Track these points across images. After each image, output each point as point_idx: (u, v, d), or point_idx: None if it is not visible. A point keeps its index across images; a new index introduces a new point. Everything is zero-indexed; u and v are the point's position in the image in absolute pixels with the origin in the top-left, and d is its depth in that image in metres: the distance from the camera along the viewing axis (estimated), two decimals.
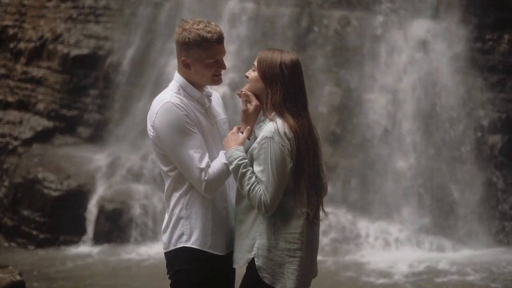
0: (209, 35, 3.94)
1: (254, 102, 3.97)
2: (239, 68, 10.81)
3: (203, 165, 3.89)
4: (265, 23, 11.66)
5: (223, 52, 4.02)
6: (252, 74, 3.98)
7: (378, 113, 11.17)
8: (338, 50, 11.48)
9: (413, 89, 11.16)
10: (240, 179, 3.85)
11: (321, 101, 11.28)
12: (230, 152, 3.90)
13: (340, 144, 11.19)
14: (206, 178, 3.89)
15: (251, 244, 3.88)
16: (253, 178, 3.83)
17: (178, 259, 3.99)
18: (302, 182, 3.84)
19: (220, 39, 3.98)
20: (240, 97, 4.03)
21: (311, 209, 3.87)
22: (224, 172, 3.93)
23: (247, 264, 3.93)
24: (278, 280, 3.85)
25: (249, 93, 3.98)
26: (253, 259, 3.87)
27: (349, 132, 11.22)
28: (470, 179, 10.83)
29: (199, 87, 4.06)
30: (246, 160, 3.86)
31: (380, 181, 10.90)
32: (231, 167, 3.88)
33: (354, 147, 11.14)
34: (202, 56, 3.97)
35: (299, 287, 3.87)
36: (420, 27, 11.37)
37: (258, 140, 3.85)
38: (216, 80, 4.06)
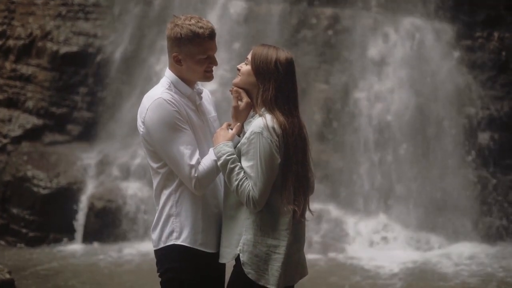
0: (201, 30, 3.93)
1: (245, 99, 3.96)
2: (229, 66, 10.79)
3: (193, 161, 3.88)
4: (255, 20, 11.65)
5: (215, 48, 4.00)
6: (245, 67, 3.96)
7: (368, 110, 11.18)
8: (328, 48, 11.48)
9: (403, 86, 11.17)
10: (228, 174, 3.83)
11: (311, 98, 11.28)
12: (219, 147, 3.88)
13: (329, 141, 11.19)
14: (196, 175, 3.88)
15: (238, 239, 3.87)
16: (242, 174, 3.81)
17: (168, 256, 3.97)
18: (290, 179, 3.83)
19: (212, 35, 3.96)
20: (232, 93, 4.01)
21: (298, 207, 3.86)
22: (214, 169, 3.92)
23: (234, 261, 3.92)
24: (262, 276, 3.84)
25: (240, 90, 3.97)
26: (239, 254, 3.86)
27: (338, 129, 11.23)
28: (460, 176, 10.85)
29: (190, 83, 4.04)
30: (235, 156, 3.85)
31: (370, 178, 10.91)
32: (219, 163, 3.86)
33: (344, 144, 11.14)
34: (194, 52, 3.95)
35: (283, 284, 3.86)
36: (410, 25, 11.38)
37: (246, 135, 3.84)
38: (207, 76, 4.04)
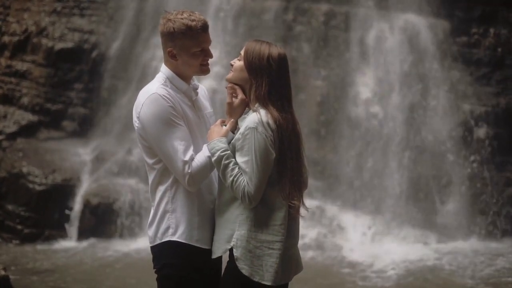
0: (193, 23, 3.92)
1: (240, 95, 3.94)
2: (225, 62, 10.78)
3: (187, 157, 3.86)
4: (250, 16, 11.64)
5: (208, 41, 3.99)
6: (237, 63, 3.95)
7: (364, 106, 11.17)
8: (323, 44, 11.47)
9: (398, 83, 11.17)
10: (223, 170, 3.82)
11: (307, 94, 11.27)
12: (212, 143, 3.87)
13: (325, 137, 11.19)
14: (189, 171, 3.86)
15: (230, 234, 3.86)
16: (236, 169, 3.80)
17: (164, 253, 3.96)
18: (285, 175, 3.82)
19: (205, 27, 3.95)
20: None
21: (294, 203, 3.85)
22: (208, 165, 3.91)
23: (228, 255, 3.90)
24: (256, 272, 3.82)
25: (236, 86, 3.95)
26: (232, 250, 3.84)
27: (334, 126, 11.22)
28: (456, 173, 10.85)
29: (186, 79, 4.03)
30: (229, 152, 3.83)
31: (366, 175, 10.91)
32: (213, 159, 3.85)
33: (340, 141, 11.13)
34: (188, 45, 3.94)
35: (277, 280, 3.84)
36: (405, 21, 11.37)
37: (241, 131, 3.82)
38: (204, 69, 4.03)
